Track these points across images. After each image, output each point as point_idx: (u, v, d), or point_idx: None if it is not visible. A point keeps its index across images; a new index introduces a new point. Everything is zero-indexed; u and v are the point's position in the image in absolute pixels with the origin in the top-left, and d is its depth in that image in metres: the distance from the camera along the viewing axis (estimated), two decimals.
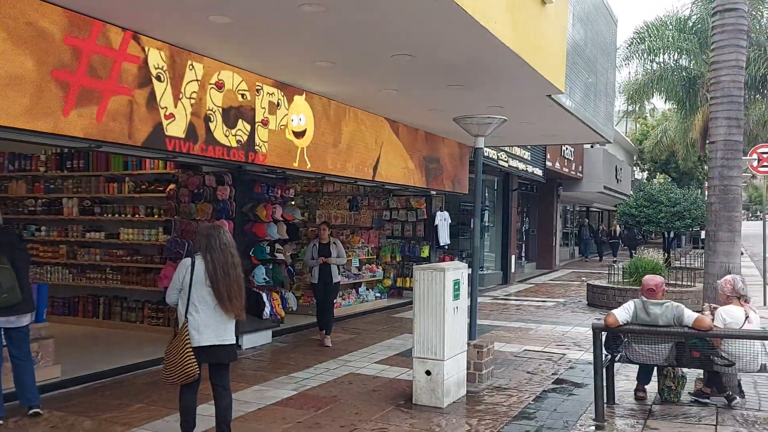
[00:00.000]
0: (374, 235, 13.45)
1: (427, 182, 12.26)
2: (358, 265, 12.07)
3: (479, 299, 13.99)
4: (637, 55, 21.17)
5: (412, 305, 6.13)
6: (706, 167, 18.95)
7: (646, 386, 6.30)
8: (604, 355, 5.92)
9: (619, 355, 6.08)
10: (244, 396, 6.19)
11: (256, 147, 7.66)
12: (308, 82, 8.17)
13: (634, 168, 40.45)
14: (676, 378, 6.18)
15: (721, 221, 7.73)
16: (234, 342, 4.72)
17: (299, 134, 8.44)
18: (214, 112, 6.98)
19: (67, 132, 5.39)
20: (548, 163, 20.05)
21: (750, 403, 6.17)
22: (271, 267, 8.76)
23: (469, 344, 6.74)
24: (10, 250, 5.37)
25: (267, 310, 8.45)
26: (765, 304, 13.32)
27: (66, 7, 5.30)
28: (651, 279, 6.00)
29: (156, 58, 6.26)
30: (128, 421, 5.44)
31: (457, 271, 6.28)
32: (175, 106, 6.47)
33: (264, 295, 8.49)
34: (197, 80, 6.75)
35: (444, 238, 13.41)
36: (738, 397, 6.12)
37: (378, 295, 12.49)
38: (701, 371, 6.23)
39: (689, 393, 6.27)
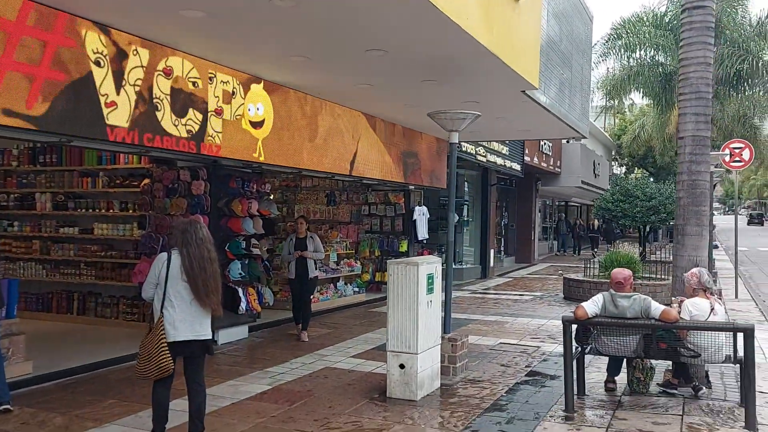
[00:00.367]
0: (353, 229, 13.49)
1: (405, 177, 12.30)
2: (336, 260, 12.10)
3: (457, 293, 14.28)
4: (614, 51, 21.35)
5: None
6: None
7: (616, 378, 6.42)
8: (574, 348, 6.02)
9: (589, 348, 6.19)
10: (219, 391, 6.19)
11: (208, 137, 7.27)
12: (285, 76, 8.11)
13: (613, 163, 40.86)
14: (644, 369, 6.31)
15: (689, 215, 7.86)
16: (210, 337, 4.71)
17: (257, 124, 8.03)
18: (161, 101, 6.62)
19: None
20: (527, 158, 20.18)
21: (716, 393, 6.32)
22: (247, 262, 8.75)
23: (443, 338, 6.81)
24: None
25: (243, 305, 8.45)
26: (737, 297, 13.58)
27: None
28: (619, 272, 6.12)
29: (95, 42, 5.81)
30: (100, 416, 5.42)
31: (431, 265, 6.35)
32: (118, 94, 6.12)
33: (240, 290, 8.49)
34: (142, 66, 6.37)
35: (422, 232, 13.50)
36: (704, 388, 6.26)
37: (356, 289, 12.52)
38: (669, 362, 6.37)
39: (658, 384, 6.41)
